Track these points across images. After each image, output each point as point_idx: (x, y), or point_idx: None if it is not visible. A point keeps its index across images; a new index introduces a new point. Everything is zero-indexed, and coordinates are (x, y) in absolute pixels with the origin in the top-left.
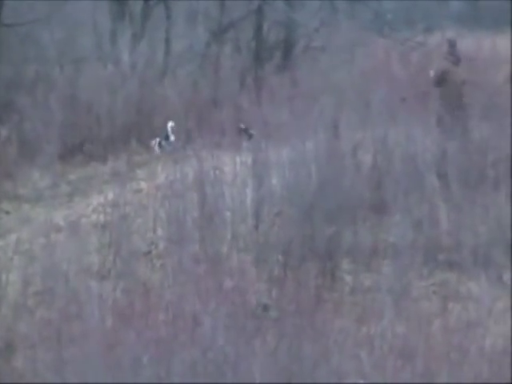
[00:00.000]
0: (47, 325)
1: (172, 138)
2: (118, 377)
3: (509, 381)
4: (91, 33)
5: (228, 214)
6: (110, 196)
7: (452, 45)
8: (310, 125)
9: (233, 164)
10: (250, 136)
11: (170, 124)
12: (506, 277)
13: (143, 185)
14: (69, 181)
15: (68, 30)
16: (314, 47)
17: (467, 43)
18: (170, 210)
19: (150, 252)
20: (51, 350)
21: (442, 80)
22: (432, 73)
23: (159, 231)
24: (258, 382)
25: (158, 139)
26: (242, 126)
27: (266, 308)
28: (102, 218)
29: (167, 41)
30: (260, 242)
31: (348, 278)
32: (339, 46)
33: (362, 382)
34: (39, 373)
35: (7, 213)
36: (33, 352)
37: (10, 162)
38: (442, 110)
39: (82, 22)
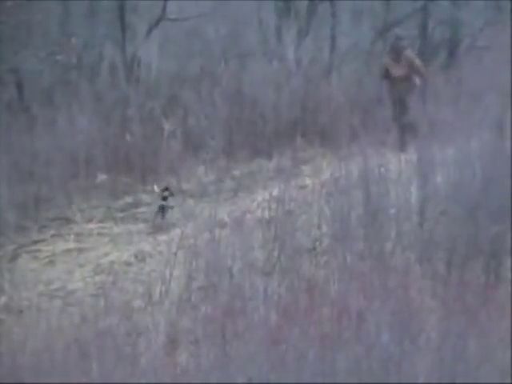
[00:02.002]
0: (211, 321)
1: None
2: (281, 373)
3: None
4: (256, 28)
5: (392, 211)
6: (275, 192)
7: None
8: (475, 124)
9: (398, 162)
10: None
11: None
12: None
13: (308, 181)
14: (233, 176)
15: (233, 25)
16: (478, 46)
17: None
18: (334, 207)
19: (314, 248)
20: (215, 346)
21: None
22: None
23: (324, 228)
24: (421, 380)
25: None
26: None
27: None
28: (266, 213)
29: (332, 38)
30: (424, 240)
31: None
32: (504, 46)
33: None
34: (202, 369)
35: (171, 207)
36: (196, 348)
37: (174, 156)
38: None
39: (247, 17)
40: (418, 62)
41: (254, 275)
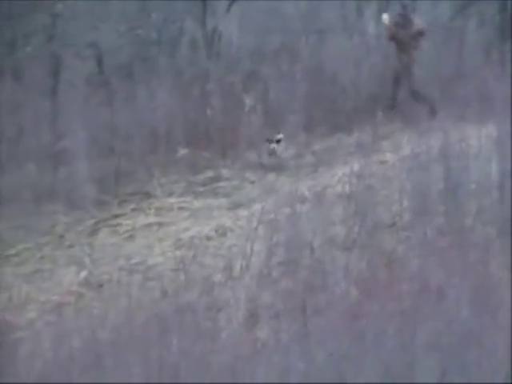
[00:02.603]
0: (291, 295)
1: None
2: (361, 348)
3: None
4: (336, 3)
5: (473, 186)
6: (355, 167)
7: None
8: None
9: (478, 137)
10: None
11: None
12: None
13: (388, 156)
14: (313, 151)
15: (312, 1)
16: None
17: None
18: (414, 182)
19: (394, 224)
20: (295, 321)
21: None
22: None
23: (404, 203)
24: (501, 354)
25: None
26: None
27: None
28: (346, 188)
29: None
30: (504, 215)
31: None
32: None
33: None
34: (282, 343)
35: (252, 182)
36: (277, 322)
37: (254, 131)
38: None
39: None
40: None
41: (334, 250)
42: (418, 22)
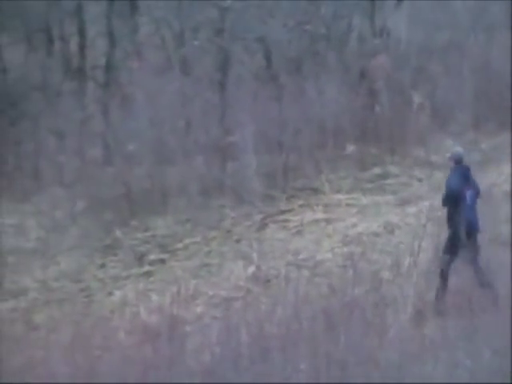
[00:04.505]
0: (458, 293)
1: None
2: None
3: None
4: (504, 1)
5: None
6: None
7: None
8: None
9: None
10: None
11: None
12: None
13: None
14: (480, 149)
15: None
16: None
17: None
18: None
19: None
20: (462, 318)
21: None
22: None
23: None
24: None
25: None
26: None
27: None
28: None
29: None
30: None
31: None
32: None
33: None
34: (449, 340)
35: (419, 180)
36: (444, 319)
37: (422, 128)
38: None
39: None
40: None
41: (500, 248)
42: None
